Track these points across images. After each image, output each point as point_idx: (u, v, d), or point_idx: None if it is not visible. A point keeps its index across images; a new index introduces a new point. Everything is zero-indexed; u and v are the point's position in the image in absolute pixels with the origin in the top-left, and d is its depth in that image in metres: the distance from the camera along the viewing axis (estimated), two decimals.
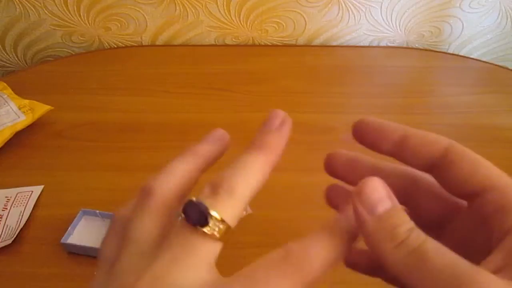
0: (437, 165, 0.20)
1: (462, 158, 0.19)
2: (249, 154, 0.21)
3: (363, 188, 0.18)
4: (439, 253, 0.16)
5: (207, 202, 0.19)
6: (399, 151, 0.21)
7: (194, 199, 0.19)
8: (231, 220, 0.19)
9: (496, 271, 0.16)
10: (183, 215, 0.19)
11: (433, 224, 0.21)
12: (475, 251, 0.18)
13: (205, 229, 0.18)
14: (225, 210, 0.19)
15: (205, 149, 0.23)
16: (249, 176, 0.20)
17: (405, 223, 0.17)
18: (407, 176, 0.23)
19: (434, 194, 0.21)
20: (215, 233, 0.18)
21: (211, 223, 0.18)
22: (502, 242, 0.17)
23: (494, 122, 0.70)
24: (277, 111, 0.22)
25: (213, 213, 0.19)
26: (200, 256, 0.18)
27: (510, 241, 0.16)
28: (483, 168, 0.18)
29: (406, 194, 0.22)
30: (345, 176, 0.24)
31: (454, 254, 0.16)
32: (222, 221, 0.18)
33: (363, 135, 0.23)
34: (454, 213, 0.21)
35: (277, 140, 0.21)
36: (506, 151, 0.64)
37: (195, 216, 0.19)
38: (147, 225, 0.20)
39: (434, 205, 0.21)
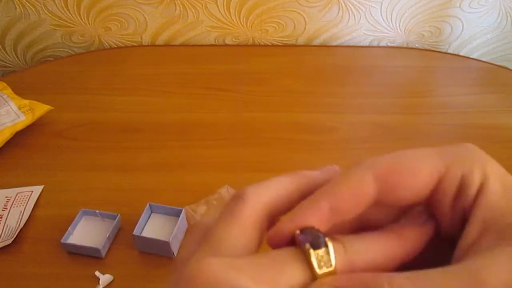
0: (379, 195, 0.18)
1: (400, 176, 0.17)
2: (387, 236, 0.17)
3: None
4: None
5: (329, 240, 0.16)
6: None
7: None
8: (340, 267, 0.16)
9: (473, 244, 0.16)
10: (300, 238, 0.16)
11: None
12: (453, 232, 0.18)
13: (311, 251, 0.15)
14: (341, 255, 0.16)
15: (312, 174, 0.20)
16: (377, 248, 0.17)
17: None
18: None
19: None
20: (315, 262, 0.15)
21: (321, 251, 0.16)
22: (472, 214, 0.16)
23: (494, 122, 0.70)
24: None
25: (330, 245, 0.16)
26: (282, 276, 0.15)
27: (479, 211, 0.16)
28: (423, 170, 0.17)
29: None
30: None
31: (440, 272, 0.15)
32: (330, 262, 0.16)
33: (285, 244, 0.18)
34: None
35: (420, 236, 0.18)
36: (506, 151, 0.64)
37: (310, 237, 0.16)
38: (231, 230, 0.17)
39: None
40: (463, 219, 0.17)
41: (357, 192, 0.17)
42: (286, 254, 0.16)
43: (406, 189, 0.17)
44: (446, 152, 0.17)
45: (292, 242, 0.17)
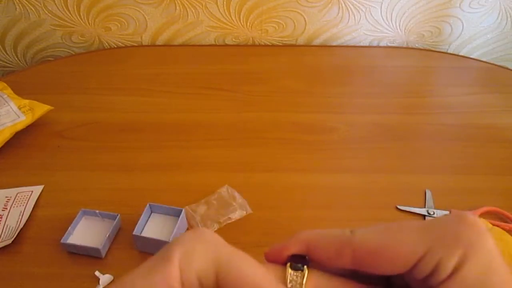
0: (354, 265, 0.19)
1: (374, 253, 0.18)
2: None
3: None
4: None
5: (307, 268, 0.20)
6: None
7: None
8: None
9: None
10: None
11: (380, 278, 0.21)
12: None
13: (290, 270, 0.19)
14: (311, 283, 0.19)
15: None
16: None
17: None
18: None
19: None
20: (288, 278, 0.19)
21: (298, 273, 0.19)
22: None
23: (494, 122, 0.70)
24: None
25: (305, 272, 0.19)
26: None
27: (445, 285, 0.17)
28: (400, 254, 0.18)
29: None
30: None
31: None
32: (301, 283, 0.19)
33: (276, 261, 0.21)
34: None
35: None
36: (506, 151, 0.64)
37: (295, 260, 0.20)
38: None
39: None
40: None
41: (332, 257, 0.19)
42: (271, 266, 0.20)
43: (387, 268, 0.18)
44: (433, 230, 0.18)
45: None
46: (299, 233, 0.21)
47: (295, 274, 0.19)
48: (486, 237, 0.17)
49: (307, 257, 0.20)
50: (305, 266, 0.19)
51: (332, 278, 0.20)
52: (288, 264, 0.20)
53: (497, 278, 0.16)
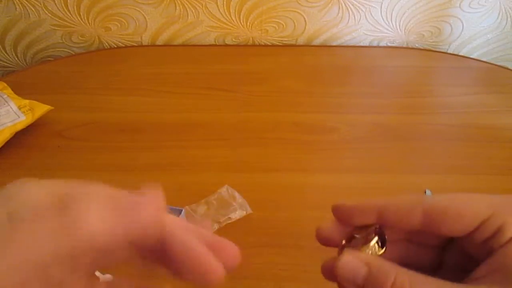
0: (423, 225, 0.21)
1: (443, 213, 0.20)
2: None
3: (338, 270, 0.20)
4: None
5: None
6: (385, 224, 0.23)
7: None
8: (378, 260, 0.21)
9: (482, 277, 0.19)
10: None
11: (437, 247, 0.23)
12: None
13: (375, 238, 0.22)
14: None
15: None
16: None
17: (387, 278, 0.19)
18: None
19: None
20: (371, 245, 0.22)
21: (376, 246, 0.22)
22: (494, 255, 0.19)
23: (494, 122, 0.70)
24: None
25: (384, 248, 0.22)
26: None
27: (499, 253, 0.19)
28: (467, 214, 0.20)
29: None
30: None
31: (441, 282, 0.18)
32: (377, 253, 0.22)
33: (342, 219, 0.24)
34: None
35: None
36: (506, 151, 0.64)
37: (378, 231, 0.22)
38: None
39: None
40: (488, 253, 0.20)
41: (403, 218, 0.21)
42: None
43: (453, 228, 0.20)
44: (498, 200, 0.20)
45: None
46: (367, 200, 0.22)
47: (375, 244, 0.21)
48: None
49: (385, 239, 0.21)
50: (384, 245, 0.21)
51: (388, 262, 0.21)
52: (374, 235, 0.21)
53: None
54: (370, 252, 0.21)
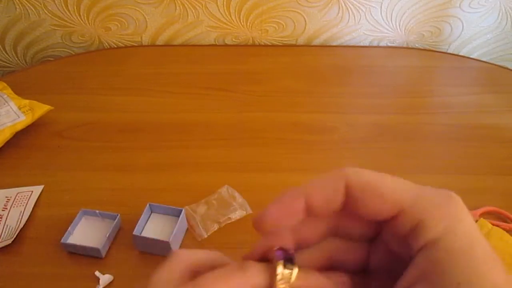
0: (347, 204, 0.19)
1: (362, 190, 0.18)
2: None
3: None
4: None
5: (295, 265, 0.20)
6: (310, 213, 0.20)
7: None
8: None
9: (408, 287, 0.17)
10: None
11: (364, 237, 0.21)
12: (400, 269, 0.18)
13: (280, 266, 0.19)
14: (299, 280, 0.19)
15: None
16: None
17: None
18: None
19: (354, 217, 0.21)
20: (279, 276, 0.19)
21: (287, 271, 0.19)
22: (414, 260, 0.17)
23: (494, 122, 0.70)
24: None
25: (295, 269, 0.19)
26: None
27: (420, 259, 0.17)
28: (388, 194, 0.18)
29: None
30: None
31: None
32: (290, 280, 0.19)
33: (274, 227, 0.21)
34: (378, 228, 0.21)
35: None
36: (506, 151, 0.64)
37: (284, 255, 0.20)
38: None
39: (356, 224, 0.21)
40: (409, 258, 0.18)
41: (328, 196, 0.19)
42: (256, 264, 0.19)
43: (370, 207, 0.18)
44: (423, 193, 0.18)
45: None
46: (292, 189, 0.20)
47: (284, 271, 0.19)
48: (468, 213, 0.18)
49: (294, 256, 0.20)
50: (295, 263, 0.19)
51: (316, 274, 0.20)
52: (280, 262, 0.19)
53: (480, 249, 0.17)
54: (283, 282, 0.19)
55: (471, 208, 0.55)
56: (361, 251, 0.21)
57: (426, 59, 0.87)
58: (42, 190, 0.58)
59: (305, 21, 0.89)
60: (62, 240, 0.49)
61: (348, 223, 0.21)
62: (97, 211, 0.52)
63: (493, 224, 0.53)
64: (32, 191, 0.57)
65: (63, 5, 0.84)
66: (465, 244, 0.17)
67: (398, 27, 0.90)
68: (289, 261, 0.19)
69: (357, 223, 0.21)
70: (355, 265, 0.21)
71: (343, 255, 0.21)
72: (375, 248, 0.21)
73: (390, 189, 0.18)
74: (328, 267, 0.21)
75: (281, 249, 0.20)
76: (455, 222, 0.17)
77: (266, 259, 0.20)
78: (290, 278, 0.19)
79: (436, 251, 0.17)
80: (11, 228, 0.52)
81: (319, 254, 0.21)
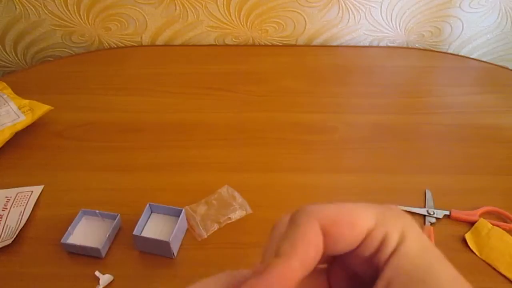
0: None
1: (335, 224, 0.18)
2: None
3: None
4: None
5: None
6: None
7: None
8: None
9: None
10: None
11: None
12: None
13: None
14: None
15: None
16: None
17: None
18: None
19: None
20: None
21: None
22: (382, 273, 0.18)
23: (494, 122, 0.70)
24: None
25: None
26: None
27: (386, 270, 0.18)
28: (357, 223, 0.18)
29: None
30: None
31: None
32: None
33: None
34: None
35: None
36: (506, 151, 0.64)
37: None
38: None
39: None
40: (377, 275, 0.18)
41: (315, 243, 0.18)
42: None
43: (344, 240, 0.18)
44: (378, 211, 0.19)
45: None
46: (283, 263, 0.18)
47: None
48: (412, 220, 0.19)
49: None
50: None
51: None
52: None
53: (433, 254, 0.18)
54: None
55: (471, 208, 0.55)
56: (322, 282, 0.21)
57: (426, 59, 0.87)
58: (42, 190, 0.58)
59: (305, 21, 0.89)
60: (62, 240, 0.49)
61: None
62: (97, 211, 0.52)
63: (493, 224, 0.53)
64: (32, 191, 0.57)
65: (63, 5, 0.84)
66: (419, 249, 0.18)
67: (398, 27, 0.90)
68: None
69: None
70: None
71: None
72: (332, 274, 0.21)
73: (358, 217, 0.18)
74: None
75: None
76: (407, 228, 0.18)
77: None
78: None
79: (397, 258, 0.18)
80: (11, 228, 0.52)
81: None
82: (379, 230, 0.18)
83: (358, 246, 0.19)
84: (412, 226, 0.19)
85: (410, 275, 0.17)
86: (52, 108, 0.68)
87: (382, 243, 0.18)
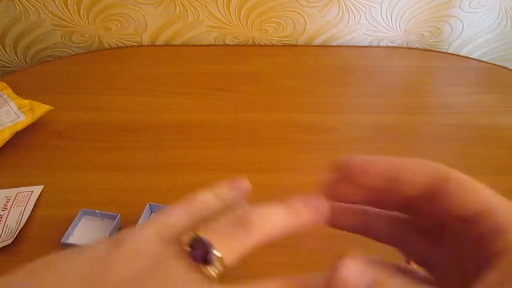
0: (432, 192, 0.21)
1: (458, 187, 0.20)
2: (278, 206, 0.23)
3: (338, 276, 0.18)
4: None
5: (214, 239, 0.19)
6: (391, 185, 0.22)
7: (202, 236, 0.20)
8: (230, 262, 0.19)
9: None
10: (188, 248, 0.19)
11: (430, 232, 0.22)
12: (468, 268, 0.19)
13: (208, 269, 0.19)
14: (231, 252, 0.20)
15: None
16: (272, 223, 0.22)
17: None
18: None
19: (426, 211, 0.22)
20: (214, 273, 0.19)
21: (214, 263, 0.19)
22: (497, 263, 0.17)
23: (494, 122, 0.70)
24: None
25: (217, 253, 0.19)
26: None
27: (505, 262, 0.17)
28: (478, 194, 0.19)
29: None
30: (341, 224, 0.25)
31: None
32: (223, 262, 0.19)
33: (351, 175, 0.23)
34: (448, 226, 0.21)
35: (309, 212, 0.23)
36: (506, 151, 0.64)
37: (199, 253, 0.19)
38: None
39: (427, 219, 0.22)
40: (474, 248, 0.18)
41: (421, 178, 0.22)
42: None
43: (462, 202, 0.20)
44: (504, 202, 0.19)
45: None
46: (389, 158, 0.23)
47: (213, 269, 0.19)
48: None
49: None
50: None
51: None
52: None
53: None
54: None
55: None
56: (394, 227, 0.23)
57: (426, 59, 0.87)
58: (42, 190, 0.58)
59: (305, 21, 0.89)
60: (62, 240, 0.49)
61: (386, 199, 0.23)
62: (97, 211, 0.52)
63: None
64: (32, 191, 0.57)
65: (63, 5, 0.84)
66: None
67: (398, 27, 0.90)
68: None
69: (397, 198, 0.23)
70: (386, 239, 0.23)
71: (379, 222, 0.23)
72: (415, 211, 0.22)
73: (480, 190, 0.19)
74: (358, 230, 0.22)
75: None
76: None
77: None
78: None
79: None
80: (11, 228, 0.52)
81: (355, 213, 0.23)
82: (498, 216, 0.18)
83: (469, 219, 0.19)
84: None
85: None
86: (52, 108, 0.68)
87: (497, 232, 0.18)
